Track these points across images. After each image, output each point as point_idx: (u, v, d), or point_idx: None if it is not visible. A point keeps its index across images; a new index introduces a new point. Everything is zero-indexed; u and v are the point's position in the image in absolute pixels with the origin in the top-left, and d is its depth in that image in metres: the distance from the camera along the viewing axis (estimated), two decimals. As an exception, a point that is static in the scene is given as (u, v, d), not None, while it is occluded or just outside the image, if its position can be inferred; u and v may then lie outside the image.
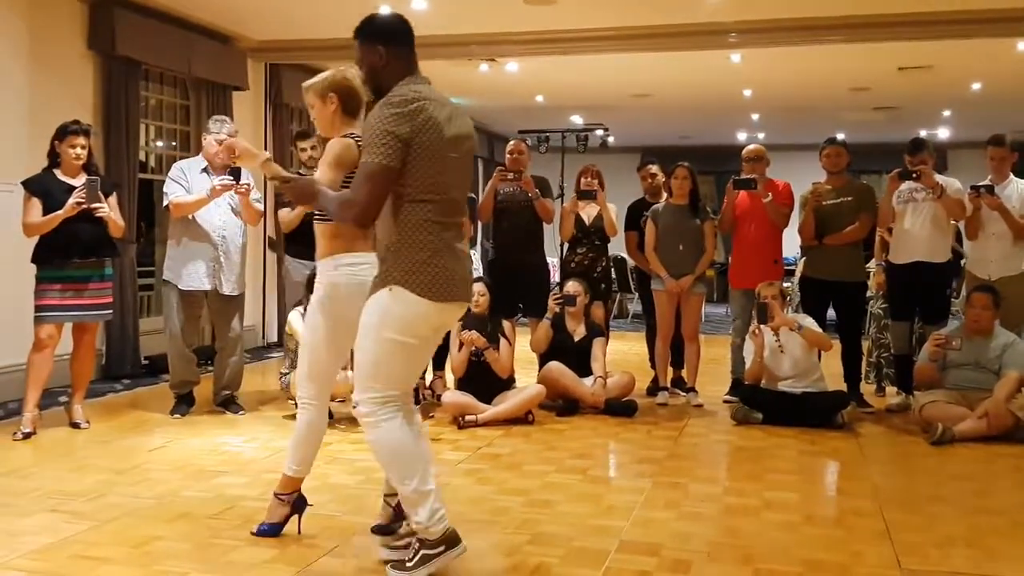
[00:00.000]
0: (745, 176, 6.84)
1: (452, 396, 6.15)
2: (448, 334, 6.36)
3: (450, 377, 6.72)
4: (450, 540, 3.28)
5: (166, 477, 4.70)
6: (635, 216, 7.28)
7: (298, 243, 6.80)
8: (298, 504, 3.85)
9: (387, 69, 3.34)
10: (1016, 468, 5.23)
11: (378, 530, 3.79)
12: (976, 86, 11.25)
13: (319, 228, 3.72)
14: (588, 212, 7.08)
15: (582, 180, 7.00)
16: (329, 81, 3.75)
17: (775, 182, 6.93)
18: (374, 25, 3.43)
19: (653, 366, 7.17)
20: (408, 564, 3.30)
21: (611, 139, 15.30)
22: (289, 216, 6.65)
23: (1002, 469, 5.21)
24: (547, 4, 7.60)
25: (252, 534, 3.80)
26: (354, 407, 3.34)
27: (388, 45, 3.35)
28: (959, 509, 4.39)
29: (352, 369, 3.44)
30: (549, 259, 7.43)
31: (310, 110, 3.86)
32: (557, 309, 6.67)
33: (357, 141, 3.60)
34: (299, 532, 3.82)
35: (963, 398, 5.95)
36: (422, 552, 3.28)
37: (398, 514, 3.72)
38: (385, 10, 7.77)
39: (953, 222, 6.62)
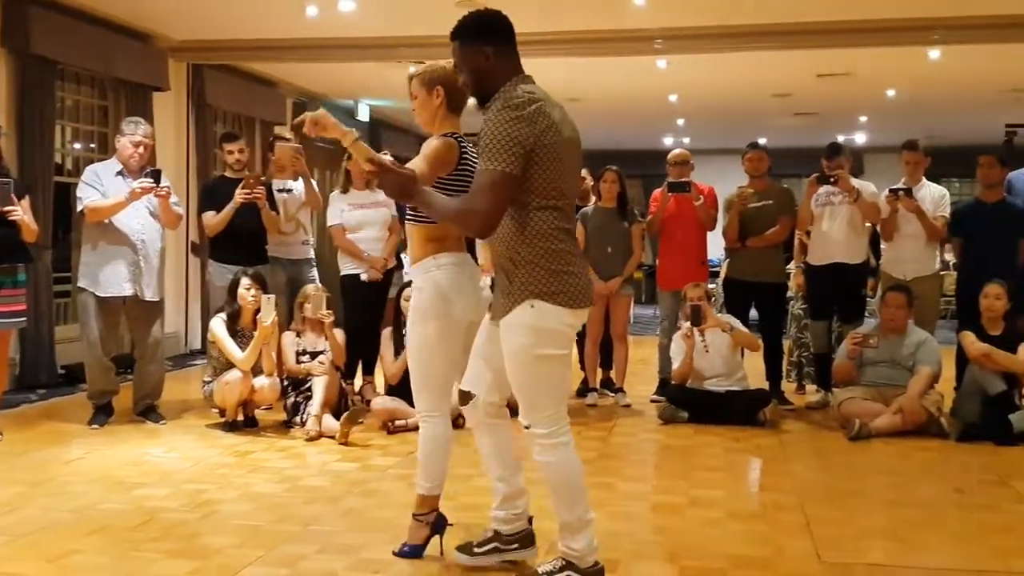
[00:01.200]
0: (677, 180, 6.92)
1: (382, 401, 6.10)
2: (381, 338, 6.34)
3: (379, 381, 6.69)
4: (599, 573, 3.27)
5: (84, 489, 4.57)
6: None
7: (223, 248, 6.70)
8: (438, 524, 3.64)
9: (494, 71, 3.17)
10: (930, 461, 5.38)
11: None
12: (891, 93, 11.55)
13: (417, 230, 3.54)
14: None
15: None
16: (437, 72, 3.55)
17: (699, 186, 7.02)
18: (477, 24, 3.22)
19: (583, 367, 7.21)
20: None
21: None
22: (214, 220, 6.55)
23: (917, 463, 5.36)
24: (477, 7, 7.58)
25: (394, 554, 3.62)
26: (526, 428, 3.22)
27: (495, 45, 3.18)
28: (877, 502, 4.52)
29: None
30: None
31: (412, 101, 3.63)
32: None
33: (460, 141, 3.49)
34: (441, 554, 3.63)
35: (879, 394, 6.11)
36: (568, 573, 3.24)
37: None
38: (312, 11, 7.82)
39: (869, 224, 6.78)
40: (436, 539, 3.65)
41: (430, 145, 3.45)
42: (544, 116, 3.04)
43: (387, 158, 3.26)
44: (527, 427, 3.22)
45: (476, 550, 3.49)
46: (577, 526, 3.22)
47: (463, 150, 3.54)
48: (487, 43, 3.17)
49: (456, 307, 3.48)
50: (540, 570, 3.32)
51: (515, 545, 3.47)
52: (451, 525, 3.69)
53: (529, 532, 3.50)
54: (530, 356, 3.13)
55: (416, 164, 3.35)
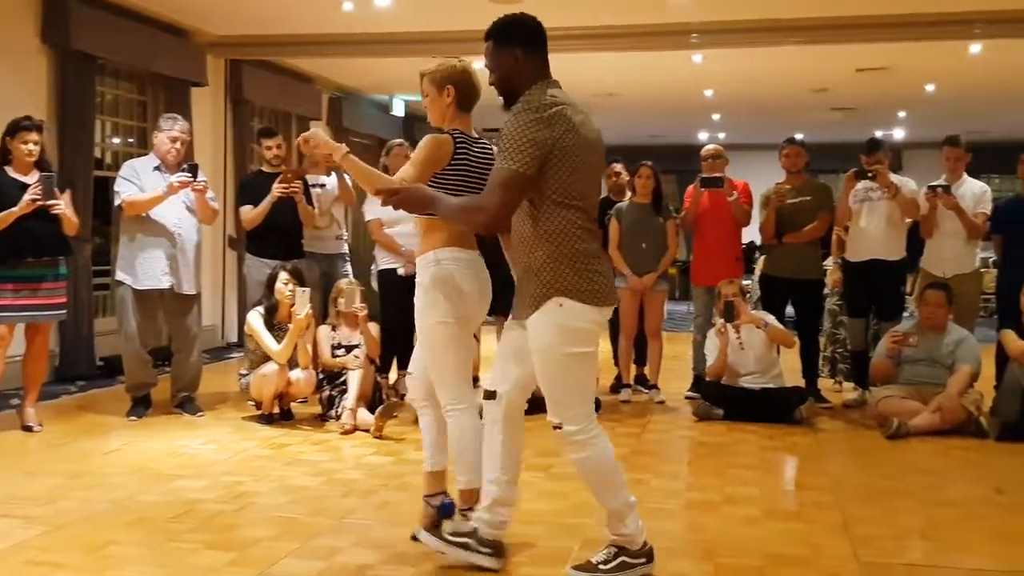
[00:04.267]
0: (711, 175, 6.89)
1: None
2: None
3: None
4: (650, 554, 3.36)
5: (122, 481, 4.62)
6: (599, 215, 7.26)
7: (259, 242, 6.76)
8: (445, 506, 3.71)
9: (523, 73, 3.24)
10: (968, 461, 5.32)
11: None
12: (931, 88, 11.41)
13: (421, 224, 3.60)
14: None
15: None
16: (448, 71, 3.60)
17: (733, 181, 6.97)
18: (512, 27, 3.30)
19: (616, 363, 7.19)
20: (603, 567, 3.31)
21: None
22: (251, 214, 6.60)
23: (955, 462, 5.30)
24: (513, 3, 7.58)
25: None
26: (556, 428, 3.25)
27: (525, 48, 3.26)
28: (915, 502, 4.46)
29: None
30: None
31: (423, 98, 3.70)
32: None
33: (456, 138, 3.52)
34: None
35: (917, 393, 6.04)
36: (622, 559, 3.32)
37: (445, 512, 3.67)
38: (348, 6, 7.85)
39: (908, 220, 6.70)
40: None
41: (421, 147, 3.51)
42: (564, 119, 3.10)
43: (392, 180, 3.34)
44: (557, 427, 3.24)
45: (448, 536, 3.46)
46: (624, 511, 3.30)
47: (459, 146, 3.55)
48: (518, 46, 3.25)
49: (455, 301, 3.49)
50: (594, 560, 3.35)
51: (488, 550, 3.43)
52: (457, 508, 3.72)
53: (503, 545, 3.49)
54: (559, 354, 3.17)
55: (405, 171, 3.46)
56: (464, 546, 3.41)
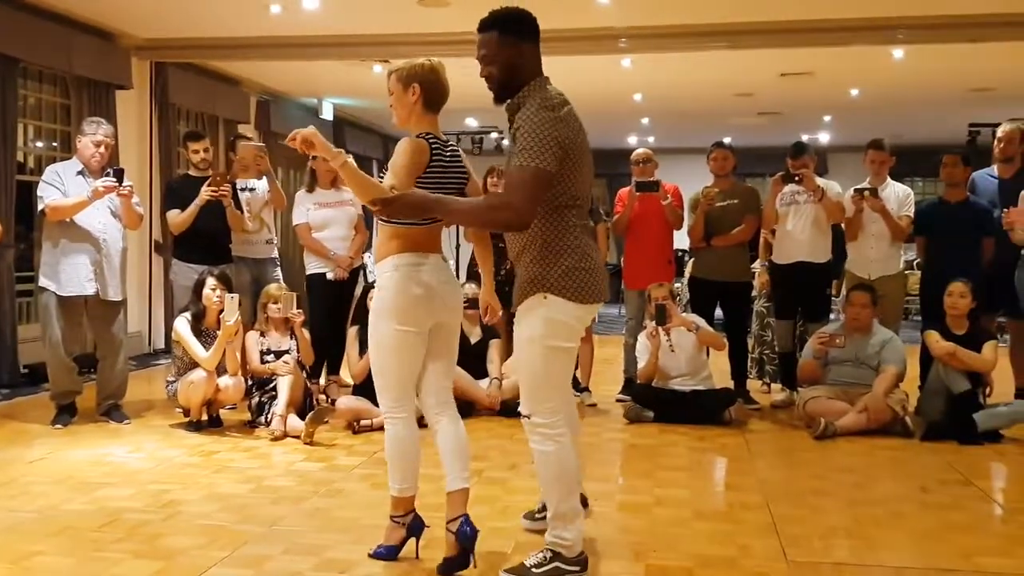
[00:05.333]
0: (645, 179, 6.93)
1: (347, 401, 6.09)
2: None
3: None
4: (584, 563, 3.35)
5: (47, 490, 4.54)
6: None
7: (187, 247, 6.67)
8: (414, 526, 3.63)
9: (524, 67, 3.25)
10: (894, 460, 5.43)
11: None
12: (855, 92, 11.65)
13: (382, 229, 3.51)
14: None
15: (488, 181, 6.99)
16: (415, 69, 3.53)
17: (665, 185, 7.04)
18: (517, 19, 3.29)
19: (547, 367, 7.20)
20: (535, 570, 3.30)
21: (505, 142, 15.36)
22: (179, 218, 6.51)
23: (881, 461, 5.41)
24: (441, 6, 7.58)
25: (369, 556, 3.61)
26: (527, 417, 3.27)
27: (527, 41, 3.27)
28: (842, 501, 4.54)
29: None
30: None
31: (388, 96, 3.62)
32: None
33: (431, 141, 3.47)
34: (416, 556, 3.62)
35: (844, 393, 6.15)
36: (556, 564, 3.31)
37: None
38: (276, 9, 7.79)
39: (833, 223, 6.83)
40: (412, 542, 3.64)
41: (402, 152, 3.41)
42: (575, 119, 3.17)
43: (384, 188, 3.24)
44: (527, 416, 3.28)
45: (534, 571, 3.37)
46: (570, 516, 3.31)
47: (434, 150, 3.49)
48: (522, 38, 3.27)
49: (418, 308, 3.44)
50: (527, 563, 3.36)
51: (577, 567, 3.41)
52: (428, 527, 3.68)
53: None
54: (539, 346, 3.24)
55: (388, 182, 3.35)
56: (557, 572, 3.32)
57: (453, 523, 3.46)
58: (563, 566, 3.33)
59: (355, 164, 3.30)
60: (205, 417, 5.99)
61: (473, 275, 7.00)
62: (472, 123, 13.96)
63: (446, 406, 3.62)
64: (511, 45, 3.25)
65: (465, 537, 3.44)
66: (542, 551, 3.37)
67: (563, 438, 3.30)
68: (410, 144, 3.43)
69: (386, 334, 3.47)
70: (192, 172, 6.85)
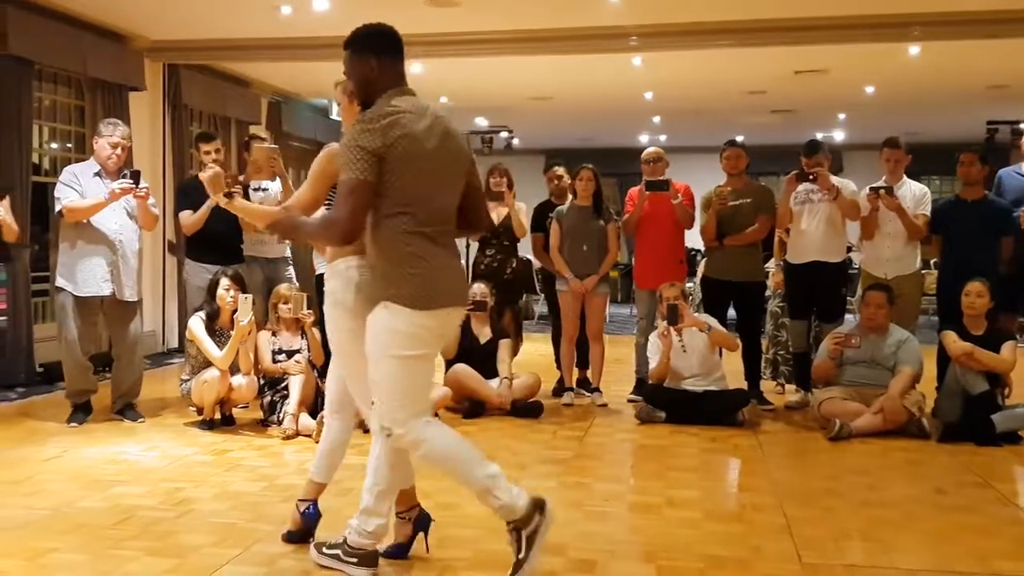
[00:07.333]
0: (656, 178, 6.91)
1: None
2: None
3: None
4: (540, 505, 3.26)
5: (62, 487, 4.57)
6: (541, 218, 7.31)
7: (199, 247, 6.72)
8: (421, 521, 3.68)
9: (378, 81, 3.32)
10: (909, 461, 5.39)
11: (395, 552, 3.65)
12: (870, 89, 11.58)
13: None
14: (497, 212, 7.07)
15: (491, 180, 7.00)
16: None
17: (676, 184, 7.01)
18: (366, 37, 3.38)
19: (559, 367, 7.21)
20: (520, 556, 3.23)
21: (516, 141, 15.37)
22: (191, 219, 6.53)
23: (896, 463, 5.37)
24: (451, 6, 7.58)
25: (381, 555, 3.61)
26: (387, 436, 3.26)
27: (380, 57, 3.33)
28: (857, 503, 4.51)
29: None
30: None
31: (337, 107, 3.78)
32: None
33: None
34: (427, 550, 3.67)
35: (859, 394, 6.10)
36: (523, 534, 3.23)
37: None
38: (286, 10, 7.80)
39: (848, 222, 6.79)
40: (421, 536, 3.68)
41: (315, 164, 3.60)
42: (398, 127, 3.16)
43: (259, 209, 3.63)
44: (388, 434, 3.26)
45: (325, 550, 3.55)
46: (488, 484, 3.22)
47: None
48: (374, 55, 3.32)
49: (364, 310, 3.46)
50: (327, 540, 3.54)
51: (354, 560, 3.47)
52: (434, 521, 3.71)
53: (373, 554, 3.51)
54: (383, 357, 3.23)
55: (302, 190, 3.59)
56: (530, 541, 3.31)
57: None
58: (526, 530, 3.29)
59: (241, 200, 3.78)
60: (218, 416, 6.02)
61: (480, 275, 7.01)
62: (482, 123, 13.96)
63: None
64: (363, 61, 3.34)
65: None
66: (507, 532, 3.30)
67: (428, 435, 3.24)
68: (324, 156, 3.60)
69: (335, 338, 3.60)
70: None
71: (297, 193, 3.62)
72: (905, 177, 6.77)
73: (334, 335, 3.59)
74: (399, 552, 3.64)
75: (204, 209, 6.44)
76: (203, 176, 3.79)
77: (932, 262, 8.36)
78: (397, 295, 3.18)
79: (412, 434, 3.24)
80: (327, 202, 3.58)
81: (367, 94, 3.33)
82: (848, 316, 7.27)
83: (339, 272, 3.54)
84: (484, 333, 6.67)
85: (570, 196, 7.08)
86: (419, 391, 3.31)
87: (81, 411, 6.09)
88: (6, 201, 5.60)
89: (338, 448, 3.80)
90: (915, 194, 6.69)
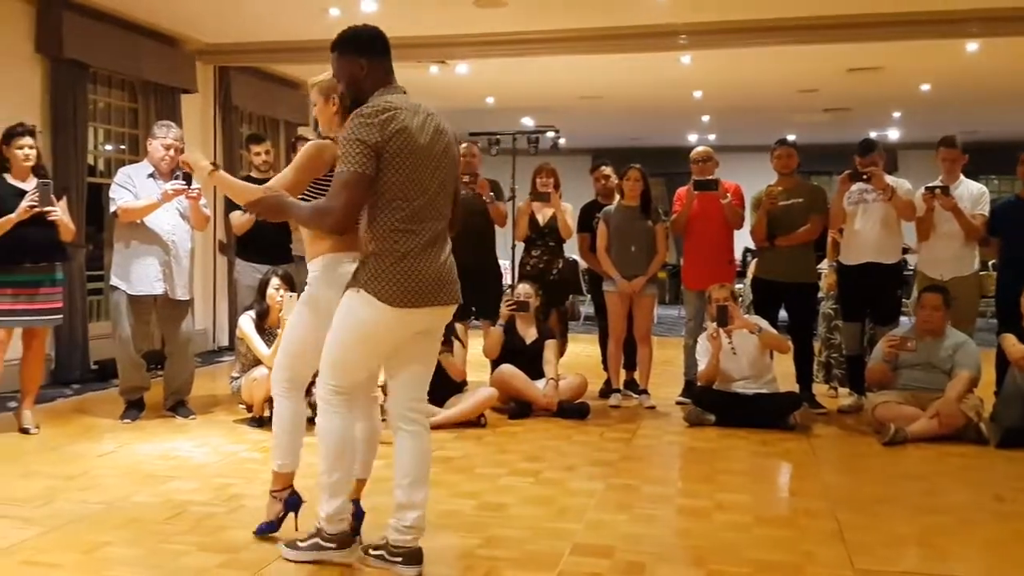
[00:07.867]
0: (704, 177, 6.85)
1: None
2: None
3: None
4: (343, 542, 3.52)
5: (115, 482, 4.64)
6: (587, 218, 7.28)
7: (249, 247, 6.81)
8: (291, 502, 3.82)
9: (367, 80, 3.40)
10: (965, 467, 5.28)
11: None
12: (925, 87, 11.37)
13: (313, 232, 3.67)
14: (543, 213, 7.07)
15: (537, 181, 6.98)
16: (334, 83, 3.73)
17: (725, 183, 6.95)
18: (353, 38, 3.47)
19: (606, 368, 7.17)
20: (300, 543, 3.55)
21: (562, 141, 15.25)
22: (241, 220, 6.59)
23: (951, 468, 5.26)
24: (498, 6, 7.58)
25: (253, 534, 3.80)
26: (309, 398, 3.36)
27: (367, 57, 3.42)
28: (910, 509, 4.43)
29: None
30: (501, 261, 7.45)
31: (312, 107, 3.89)
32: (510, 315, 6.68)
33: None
34: (296, 529, 3.79)
35: (915, 398, 5.98)
36: (317, 540, 3.52)
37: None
38: (335, 12, 7.84)
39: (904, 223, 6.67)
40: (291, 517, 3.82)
41: (302, 152, 3.67)
42: (395, 122, 3.23)
43: (261, 190, 3.50)
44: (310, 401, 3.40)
45: (299, 544, 3.59)
46: (332, 490, 3.48)
47: None
48: (361, 55, 3.42)
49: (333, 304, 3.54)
50: (298, 538, 3.61)
51: (332, 544, 3.56)
52: (304, 502, 3.84)
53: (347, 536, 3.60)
54: (338, 331, 3.36)
55: (283, 175, 3.66)
56: (315, 547, 3.54)
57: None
58: (322, 542, 3.52)
59: (225, 175, 3.69)
60: (267, 413, 6.03)
61: (526, 276, 7.00)
62: (528, 122, 13.95)
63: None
64: (350, 62, 3.42)
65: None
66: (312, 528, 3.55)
67: (335, 414, 3.44)
68: (312, 145, 3.68)
69: (304, 323, 3.68)
70: (254, 174, 6.96)
71: (279, 176, 3.70)
72: (962, 176, 6.64)
73: (297, 328, 3.71)
74: (268, 528, 3.80)
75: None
76: (183, 158, 3.92)
77: (990, 263, 8.18)
78: (373, 287, 3.27)
79: (330, 405, 3.43)
80: (307, 192, 3.65)
81: (355, 93, 3.43)
82: (903, 318, 7.15)
83: (317, 268, 3.66)
84: (530, 334, 6.66)
85: (617, 196, 7.03)
86: (354, 372, 3.45)
87: (134, 408, 6.18)
88: (63, 202, 5.72)
89: (296, 429, 3.85)
90: (972, 194, 6.55)
